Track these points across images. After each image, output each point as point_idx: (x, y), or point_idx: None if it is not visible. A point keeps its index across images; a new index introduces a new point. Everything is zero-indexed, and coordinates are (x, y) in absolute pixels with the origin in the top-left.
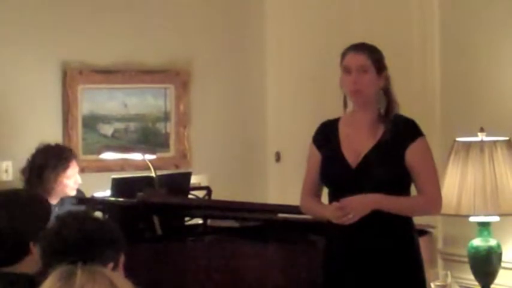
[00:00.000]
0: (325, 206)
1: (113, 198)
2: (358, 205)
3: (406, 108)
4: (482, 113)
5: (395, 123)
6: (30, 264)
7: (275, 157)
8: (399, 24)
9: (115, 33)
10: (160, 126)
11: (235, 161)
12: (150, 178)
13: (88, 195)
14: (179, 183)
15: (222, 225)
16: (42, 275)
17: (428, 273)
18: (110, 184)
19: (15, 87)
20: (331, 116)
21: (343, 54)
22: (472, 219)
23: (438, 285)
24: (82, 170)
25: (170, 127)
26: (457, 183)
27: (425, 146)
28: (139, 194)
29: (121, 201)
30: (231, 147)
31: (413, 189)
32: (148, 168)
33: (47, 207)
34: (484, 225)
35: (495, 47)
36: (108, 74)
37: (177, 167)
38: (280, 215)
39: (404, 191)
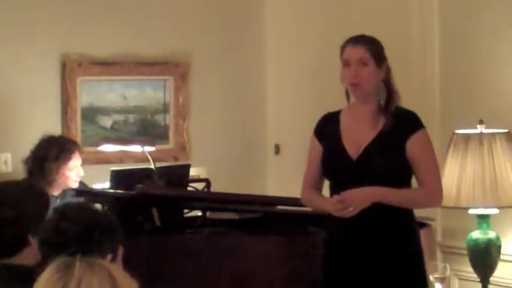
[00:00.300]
0: (326, 198)
1: (112, 190)
2: (359, 198)
3: (405, 100)
4: (482, 105)
5: (396, 115)
6: (29, 256)
7: (274, 150)
8: (399, 17)
9: (114, 25)
10: (159, 118)
11: (234, 153)
12: (149, 170)
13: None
14: (178, 175)
15: (221, 217)
16: (41, 266)
17: (428, 265)
18: (109, 176)
19: (14, 79)
20: (331, 109)
21: (342, 48)
22: (471, 211)
23: (437, 278)
24: (81, 162)
25: (169, 119)
26: (456, 175)
27: (426, 138)
28: (139, 186)
29: (120, 193)
30: (230, 139)
31: (413, 182)
32: (147, 160)
33: (46, 198)
34: (483, 218)
35: (495, 40)
36: (107, 66)
37: (176, 159)
38: (280, 207)
39: (405, 183)
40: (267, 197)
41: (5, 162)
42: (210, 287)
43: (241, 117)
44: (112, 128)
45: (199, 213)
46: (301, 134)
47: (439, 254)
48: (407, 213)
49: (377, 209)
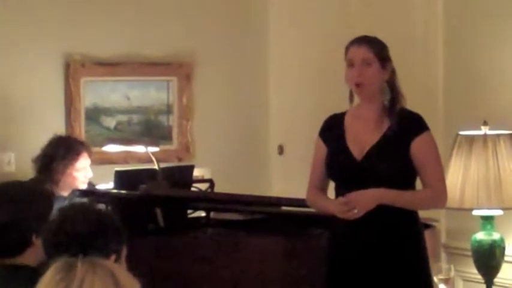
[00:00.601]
0: (330, 200)
1: (115, 191)
2: (364, 200)
3: (409, 102)
4: (486, 106)
5: (400, 117)
6: (33, 256)
7: (278, 150)
8: (402, 18)
9: (118, 25)
10: (163, 118)
11: (238, 153)
12: (153, 171)
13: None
14: (182, 175)
15: (224, 218)
16: (45, 267)
17: (432, 267)
18: (112, 176)
19: (18, 79)
20: (334, 109)
21: (347, 48)
22: (475, 212)
23: (441, 279)
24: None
25: (173, 120)
26: (460, 176)
27: (430, 139)
28: (142, 187)
29: (124, 193)
30: (234, 140)
31: (418, 183)
32: (151, 161)
33: (50, 199)
34: (487, 219)
35: (498, 40)
36: (110, 66)
37: (180, 159)
38: (283, 208)
39: (409, 184)
40: (271, 197)
41: (9, 162)
42: None
43: (245, 118)
44: (116, 128)
45: (203, 214)
46: (305, 135)
47: (443, 255)
48: (412, 215)
49: (381, 211)
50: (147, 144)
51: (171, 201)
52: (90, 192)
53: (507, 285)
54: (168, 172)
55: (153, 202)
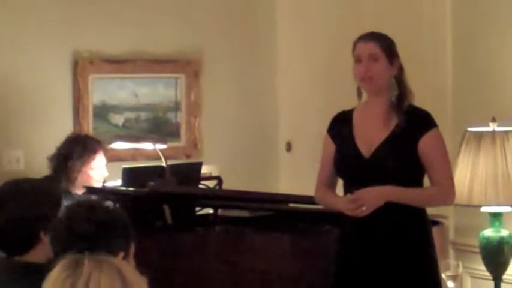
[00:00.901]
0: (339, 198)
1: (123, 188)
2: (372, 197)
3: (417, 98)
4: (494, 103)
5: (408, 114)
6: (41, 253)
7: (286, 147)
8: (411, 15)
9: (126, 22)
10: (171, 115)
11: (246, 150)
12: (161, 168)
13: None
14: (190, 173)
15: (232, 215)
16: (53, 264)
17: (440, 263)
18: (120, 174)
19: (26, 77)
20: (343, 106)
21: (354, 44)
22: (483, 209)
23: (449, 276)
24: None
25: (181, 117)
26: (468, 173)
27: (438, 136)
28: (150, 184)
29: (132, 190)
30: (242, 137)
31: (425, 180)
32: (159, 158)
33: (58, 196)
34: (496, 216)
35: (507, 37)
36: (118, 63)
37: (188, 156)
38: (291, 205)
39: (417, 182)
40: (279, 194)
41: (17, 160)
42: (221, 285)
43: (253, 115)
44: (124, 125)
45: (211, 211)
46: (313, 131)
47: (451, 252)
48: (420, 212)
49: (389, 208)
50: (155, 141)
51: (179, 199)
52: (98, 190)
53: None
54: (176, 169)
55: (161, 199)
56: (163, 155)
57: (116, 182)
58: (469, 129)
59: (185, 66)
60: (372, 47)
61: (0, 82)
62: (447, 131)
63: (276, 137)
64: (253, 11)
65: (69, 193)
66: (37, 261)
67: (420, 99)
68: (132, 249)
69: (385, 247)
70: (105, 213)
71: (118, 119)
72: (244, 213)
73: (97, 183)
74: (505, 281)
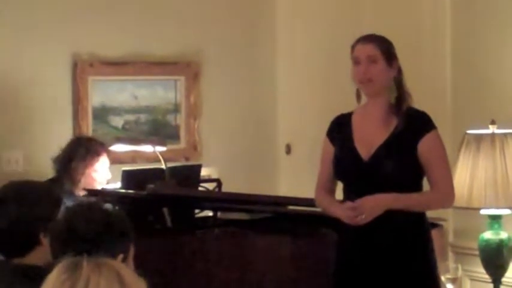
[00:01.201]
0: (338, 205)
1: (123, 190)
2: (372, 206)
3: (417, 100)
4: (494, 105)
5: (407, 116)
6: (41, 255)
7: (285, 149)
8: (410, 16)
9: (125, 25)
10: (170, 118)
11: (245, 153)
12: (160, 170)
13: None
14: (189, 175)
15: (232, 217)
16: (53, 266)
17: (439, 266)
18: (120, 176)
19: (26, 79)
20: (342, 109)
21: (352, 47)
22: (482, 212)
23: (449, 278)
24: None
25: (180, 119)
26: (468, 176)
27: (437, 139)
28: (150, 186)
29: (131, 193)
30: (241, 139)
31: (424, 182)
32: (158, 160)
33: (58, 198)
34: (495, 218)
35: (507, 39)
36: (118, 65)
37: (187, 159)
38: (291, 208)
39: (416, 184)
40: (278, 197)
41: (17, 161)
42: None
43: (253, 117)
44: (123, 128)
45: (210, 214)
46: (312, 134)
47: (450, 255)
48: (419, 215)
49: (389, 211)
50: (154, 143)
51: (178, 201)
52: (98, 192)
53: None
54: (176, 171)
55: (161, 202)
56: (162, 157)
57: (116, 184)
58: (469, 131)
59: (185, 68)
60: (370, 49)
61: (0, 84)
62: (446, 134)
63: (275, 140)
64: (253, 14)
65: (72, 195)
66: (37, 264)
67: (419, 101)
68: (131, 252)
69: (384, 250)
70: (104, 216)
71: (117, 121)
72: (244, 216)
73: (100, 186)
74: (504, 283)
